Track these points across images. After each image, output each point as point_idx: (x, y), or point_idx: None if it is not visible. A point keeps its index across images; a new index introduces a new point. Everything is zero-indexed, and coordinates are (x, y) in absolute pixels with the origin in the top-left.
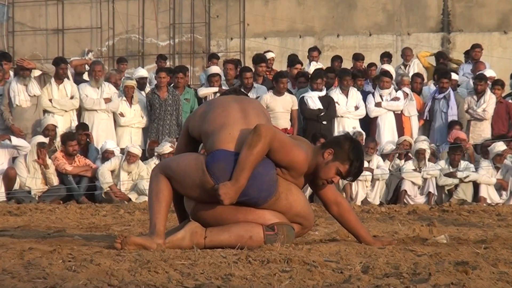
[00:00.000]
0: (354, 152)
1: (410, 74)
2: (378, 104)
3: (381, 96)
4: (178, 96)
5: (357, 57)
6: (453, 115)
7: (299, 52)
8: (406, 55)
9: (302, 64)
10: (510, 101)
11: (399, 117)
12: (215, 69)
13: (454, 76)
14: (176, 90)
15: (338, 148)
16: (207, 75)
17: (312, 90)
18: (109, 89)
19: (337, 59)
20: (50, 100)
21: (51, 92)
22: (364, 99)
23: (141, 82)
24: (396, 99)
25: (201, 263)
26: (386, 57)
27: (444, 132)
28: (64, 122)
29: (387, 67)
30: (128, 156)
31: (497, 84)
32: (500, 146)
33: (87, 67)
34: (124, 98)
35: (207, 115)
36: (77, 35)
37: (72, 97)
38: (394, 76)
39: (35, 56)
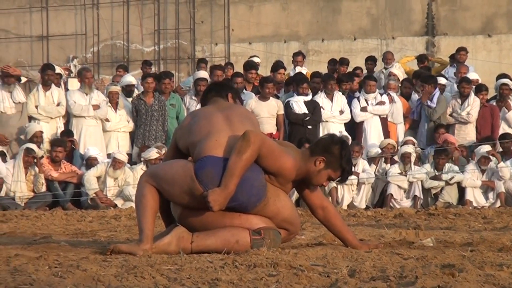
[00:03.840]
0: (345, 159)
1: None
2: (363, 109)
3: (366, 100)
4: (164, 101)
5: (342, 62)
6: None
7: (284, 57)
8: (387, 58)
9: (285, 69)
10: (494, 104)
11: (384, 121)
12: (203, 73)
13: (442, 80)
14: (162, 95)
15: (329, 156)
16: (195, 78)
17: (298, 94)
18: (97, 96)
19: (332, 63)
20: (36, 107)
21: (37, 98)
22: (350, 103)
23: (128, 90)
24: (381, 103)
25: (188, 268)
26: (371, 61)
27: (428, 136)
28: (49, 129)
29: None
30: (114, 162)
31: (482, 89)
32: (485, 148)
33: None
34: (109, 103)
35: (192, 127)
36: (62, 42)
37: (58, 104)
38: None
39: (19, 63)
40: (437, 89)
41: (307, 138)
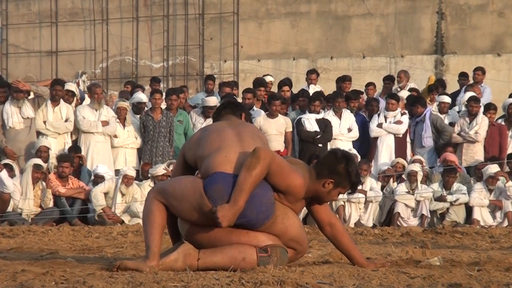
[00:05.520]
0: (353, 175)
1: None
2: (379, 125)
3: (385, 117)
4: (172, 118)
5: (344, 79)
6: (427, 137)
7: (292, 74)
8: (399, 77)
9: (290, 86)
10: (502, 123)
11: (399, 140)
12: (213, 101)
13: (445, 98)
14: (169, 112)
15: (336, 176)
16: (204, 105)
17: (310, 112)
18: (107, 112)
19: (345, 79)
20: (45, 122)
21: (46, 114)
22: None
23: (139, 107)
24: (398, 122)
25: (194, 285)
26: (389, 80)
27: (423, 155)
28: (57, 145)
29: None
30: (126, 179)
31: (490, 108)
32: (493, 168)
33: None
34: (117, 119)
35: (202, 140)
36: (71, 57)
37: (66, 120)
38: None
39: (28, 78)
40: (428, 108)
41: (318, 156)
